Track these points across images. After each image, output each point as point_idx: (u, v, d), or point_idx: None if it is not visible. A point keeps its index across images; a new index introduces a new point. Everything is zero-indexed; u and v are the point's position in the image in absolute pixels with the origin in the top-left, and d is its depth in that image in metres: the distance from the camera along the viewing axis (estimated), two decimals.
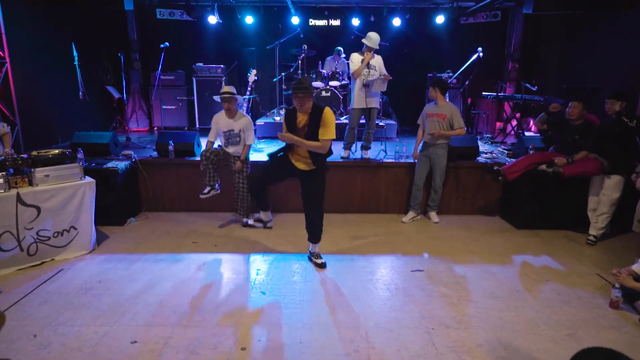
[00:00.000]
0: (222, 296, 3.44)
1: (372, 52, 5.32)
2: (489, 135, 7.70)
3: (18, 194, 3.75)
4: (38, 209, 3.86)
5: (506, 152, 6.09)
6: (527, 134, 7.05)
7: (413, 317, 3.15)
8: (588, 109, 4.60)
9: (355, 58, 5.36)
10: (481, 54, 6.67)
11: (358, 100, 5.40)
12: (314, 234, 3.97)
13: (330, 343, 2.83)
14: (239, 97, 4.70)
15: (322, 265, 3.96)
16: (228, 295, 3.45)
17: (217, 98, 4.72)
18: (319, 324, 3.05)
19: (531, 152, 5.21)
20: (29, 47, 6.09)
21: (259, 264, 4.07)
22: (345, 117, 7.19)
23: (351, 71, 5.42)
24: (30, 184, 3.88)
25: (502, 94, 7.69)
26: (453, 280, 3.74)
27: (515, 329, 3.02)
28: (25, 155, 3.97)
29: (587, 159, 4.53)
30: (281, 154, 3.84)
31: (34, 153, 4.04)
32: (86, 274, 3.79)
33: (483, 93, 7.73)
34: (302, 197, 3.88)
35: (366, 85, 5.32)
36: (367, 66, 5.31)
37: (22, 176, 3.85)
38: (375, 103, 5.46)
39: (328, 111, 3.56)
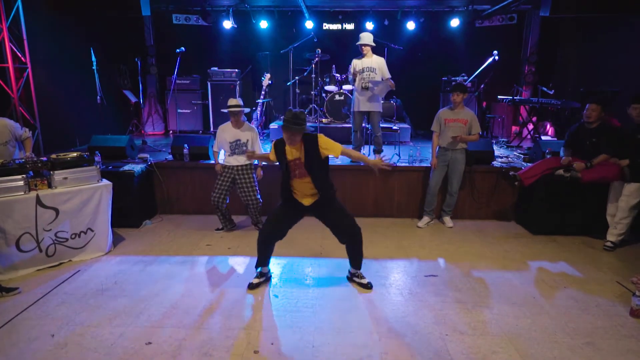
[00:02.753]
0: (235, 299, 3.46)
1: (369, 50, 5.33)
2: (505, 140, 7.60)
3: (37, 196, 3.83)
4: (57, 210, 3.95)
5: (522, 156, 6.01)
6: (543, 138, 6.94)
7: (427, 323, 3.12)
8: (607, 112, 4.51)
9: (353, 63, 5.43)
10: (497, 57, 6.61)
11: (357, 103, 5.43)
12: (357, 259, 3.64)
13: (342, 348, 2.82)
14: (244, 109, 4.71)
15: (368, 286, 3.62)
16: (241, 298, 3.47)
17: (225, 110, 4.75)
18: (331, 328, 3.04)
19: (548, 156, 5.12)
20: (49, 52, 6.25)
21: (272, 267, 4.07)
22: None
23: (350, 77, 5.50)
24: (50, 186, 3.97)
25: (518, 97, 7.59)
26: (468, 286, 3.69)
27: (532, 337, 2.96)
28: (44, 158, 4.06)
29: (606, 164, 4.43)
30: (288, 193, 3.51)
31: (53, 156, 4.14)
32: (102, 275, 3.85)
33: (499, 97, 7.64)
34: (331, 228, 3.57)
35: (365, 89, 5.32)
36: (367, 69, 5.32)
37: (42, 179, 3.94)
38: (375, 107, 5.42)
39: (321, 136, 3.35)
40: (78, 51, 6.58)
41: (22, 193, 3.80)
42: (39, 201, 3.84)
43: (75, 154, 4.20)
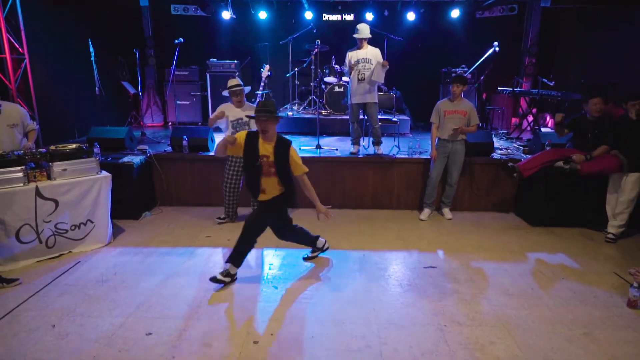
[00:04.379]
0: (235, 290, 3.47)
1: (364, 42, 5.31)
2: (504, 131, 7.59)
3: (37, 188, 3.83)
4: (56, 202, 3.95)
5: (522, 148, 6.00)
6: (543, 129, 6.93)
7: (425, 314, 3.14)
8: (610, 103, 4.51)
9: (348, 55, 5.40)
10: (497, 49, 6.56)
11: (353, 95, 5.41)
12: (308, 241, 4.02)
13: (342, 338, 2.84)
14: (247, 88, 4.68)
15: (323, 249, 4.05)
16: (241, 289, 3.48)
17: (225, 93, 4.72)
18: (330, 319, 3.06)
19: (547, 148, 5.12)
20: (47, 43, 6.19)
21: (271, 258, 4.09)
22: None
23: (345, 69, 5.47)
24: (49, 177, 3.97)
25: (518, 89, 7.57)
26: (466, 277, 3.71)
27: (530, 327, 2.99)
28: (43, 150, 4.05)
29: (605, 156, 4.43)
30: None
31: (52, 147, 4.13)
32: (102, 267, 3.86)
33: (499, 88, 7.61)
34: (279, 224, 3.72)
35: (361, 80, 5.30)
36: (362, 60, 5.30)
37: (41, 170, 3.93)
38: (371, 98, 5.40)
39: (293, 148, 3.44)
40: (76, 42, 6.53)
41: (22, 184, 3.79)
42: (38, 193, 3.84)
43: (74, 146, 4.19)
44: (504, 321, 3.06)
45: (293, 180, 3.54)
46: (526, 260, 4.11)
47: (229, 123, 4.64)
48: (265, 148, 3.34)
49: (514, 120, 8.07)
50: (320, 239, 4.05)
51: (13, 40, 5.43)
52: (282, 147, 3.37)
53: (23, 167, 3.81)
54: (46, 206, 3.90)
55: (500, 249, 4.34)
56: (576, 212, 4.87)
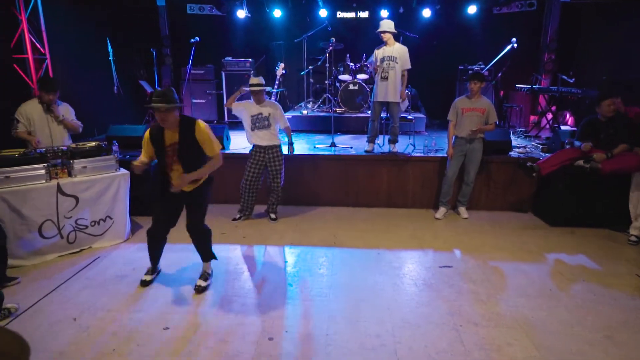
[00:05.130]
0: (249, 287, 3.51)
1: (388, 36, 5.27)
2: (522, 129, 7.46)
3: (58, 185, 3.92)
4: (76, 198, 4.04)
5: (540, 146, 5.90)
6: (563, 127, 6.79)
7: (441, 314, 3.11)
8: (626, 101, 4.41)
9: (375, 53, 5.38)
10: (515, 45, 6.45)
11: (377, 93, 5.37)
12: (206, 253, 3.56)
13: (356, 336, 2.84)
14: (267, 87, 4.68)
15: (199, 290, 3.40)
16: (256, 286, 3.51)
17: (246, 88, 4.74)
18: (345, 317, 3.06)
19: (567, 146, 5.02)
20: (67, 43, 6.32)
21: (287, 256, 4.11)
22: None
23: (371, 68, 5.45)
24: (70, 175, 4.06)
25: (537, 86, 7.43)
26: (482, 277, 3.67)
27: (548, 329, 2.94)
28: (64, 148, 4.15)
29: (626, 154, 4.33)
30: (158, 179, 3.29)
31: (73, 145, 4.22)
32: (121, 262, 3.94)
33: (517, 85, 7.48)
34: (187, 214, 3.44)
35: (385, 78, 5.27)
36: (387, 58, 5.25)
37: (62, 167, 4.03)
38: (394, 97, 5.35)
39: (200, 124, 3.18)
40: (95, 42, 6.66)
41: (44, 181, 3.89)
42: (59, 189, 3.93)
43: (93, 144, 4.28)
44: (522, 322, 3.02)
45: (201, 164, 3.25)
46: (545, 260, 4.04)
47: (249, 118, 4.66)
48: (170, 136, 3.15)
49: (532, 118, 7.92)
50: (212, 261, 3.60)
51: (35, 41, 5.56)
52: (187, 128, 3.12)
53: (45, 164, 3.91)
54: (67, 202, 3.99)
55: (517, 249, 4.27)
56: (597, 212, 4.76)
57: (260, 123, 4.64)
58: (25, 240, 3.81)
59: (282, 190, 4.93)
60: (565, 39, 8.15)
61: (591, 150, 4.57)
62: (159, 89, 3.12)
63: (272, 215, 5.01)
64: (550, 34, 8.17)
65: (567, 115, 7.65)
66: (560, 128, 6.60)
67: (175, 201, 3.37)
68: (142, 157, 3.30)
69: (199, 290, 3.40)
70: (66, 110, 4.66)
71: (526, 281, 3.61)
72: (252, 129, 4.67)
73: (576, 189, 4.73)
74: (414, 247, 4.32)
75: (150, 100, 3.00)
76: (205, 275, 3.53)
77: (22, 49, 5.45)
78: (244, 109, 4.68)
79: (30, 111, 4.34)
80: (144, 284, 3.52)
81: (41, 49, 5.67)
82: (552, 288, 3.50)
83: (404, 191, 5.52)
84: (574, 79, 6.82)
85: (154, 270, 3.65)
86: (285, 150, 4.86)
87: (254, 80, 4.59)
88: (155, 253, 3.58)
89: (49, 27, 5.74)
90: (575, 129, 5.68)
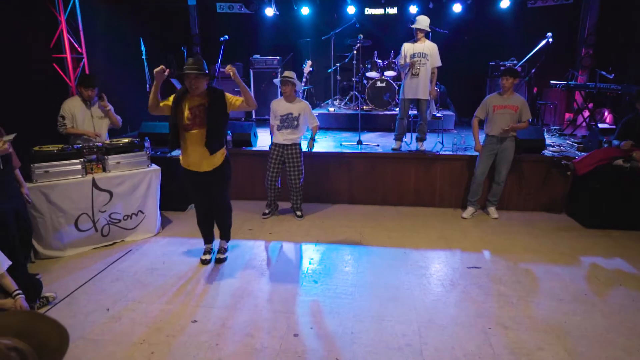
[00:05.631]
0: (275, 282, 3.54)
1: (421, 34, 5.16)
2: (557, 127, 7.19)
3: (93, 179, 4.08)
4: (110, 193, 4.18)
5: (576, 145, 5.67)
6: (600, 125, 6.50)
7: (469, 315, 3.05)
8: None
9: (404, 48, 5.26)
10: (550, 40, 6.21)
11: (405, 90, 5.29)
12: (227, 229, 3.96)
13: (381, 336, 2.82)
14: (298, 83, 4.66)
15: (222, 260, 3.88)
16: (281, 282, 3.54)
17: (276, 81, 4.78)
18: (370, 316, 3.04)
19: (605, 145, 4.80)
20: (103, 42, 6.54)
21: (312, 253, 4.12)
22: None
23: (399, 62, 5.34)
24: (104, 170, 4.21)
25: (573, 82, 7.14)
26: (513, 279, 3.57)
27: (582, 335, 2.83)
28: (99, 144, 4.30)
29: None
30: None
31: (107, 142, 4.37)
32: (152, 255, 4.06)
33: (551, 82, 7.21)
34: (210, 197, 3.70)
35: (415, 75, 5.17)
36: (418, 54, 5.16)
37: (97, 163, 4.18)
38: (423, 94, 5.25)
39: (227, 93, 3.44)
40: (128, 41, 6.85)
41: (80, 176, 4.05)
42: (94, 184, 4.09)
43: (127, 140, 4.42)
44: (554, 327, 2.92)
45: (224, 133, 3.59)
46: (579, 263, 3.90)
47: (278, 117, 4.68)
48: (195, 100, 3.33)
49: (567, 115, 7.62)
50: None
51: (73, 41, 5.78)
52: (217, 94, 3.36)
53: (81, 159, 4.06)
54: (101, 197, 4.14)
55: (550, 251, 4.13)
56: (636, 214, 4.55)
57: (289, 122, 4.65)
58: (62, 232, 3.98)
59: (308, 187, 4.95)
60: (604, 33, 7.78)
61: (631, 148, 4.36)
62: (195, 57, 3.31)
63: (298, 213, 5.03)
64: (588, 28, 7.82)
65: (606, 113, 7.32)
66: (597, 126, 6.33)
67: (203, 186, 3.64)
68: (163, 103, 3.42)
69: (219, 261, 3.86)
70: (106, 112, 4.75)
71: (559, 284, 3.49)
72: (280, 129, 4.69)
73: (613, 189, 4.53)
74: (442, 247, 4.25)
75: (185, 69, 3.20)
76: (223, 250, 3.96)
77: (61, 49, 5.67)
78: (275, 110, 4.71)
79: (72, 107, 4.46)
80: (204, 262, 3.83)
81: (78, 49, 5.88)
82: (586, 292, 3.37)
83: (431, 190, 5.43)
84: (613, 75, 6.52)
85: (210, 249, 3.96)
86: (304, 145, 4.87)
87: (287, 72, 4.60)
88: (207, 232, 3.93)
89: (85, 27, 5.95)
90: (614, 127, 5.43)
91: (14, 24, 4.95)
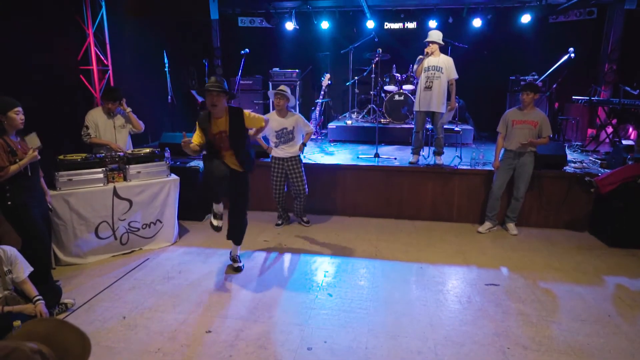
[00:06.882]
0: (289, 295, 3.53)
1: (434, 47, 5.14)
2: (579, 143, 7.04)
3: (114, 188, 4.17)
4: (130, 202, 4.26)
5: (599, 162, 5.53)
6: (624, 142, 6.34)
7: (486, 334, 2.98)
8: None
9: (420, 60, 5.26)
10: (572, 55, 6.13)
11: (419, 102, 5.25)
12: (238, 237, 3.99)
13: (396, 351, 2.78)
14: (291, 97, 4.73)
15: (238, 269, 3.97)
16: (296, 295, 3.53)
17: (270, 94, 4.86)
18: (385, 332, 3.00)
19: (630, 162, 4.68)
20: (127, 55, 6.75)
21: (327, 265, 4.10)
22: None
23: (414, 68, 5.33)
24: (125, 179, 4.30)
25: (596, 97, 7.00)
26: (532, 298, 3.47)
27: (604, 358, 2.73)
28: (121, 154, 4.40)
29: None
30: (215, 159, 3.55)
31: (128, 152, 4.48)
32: (169, 264, 4.10)
33: (573, 97, 7.09)
34: (231, 199, 3.87)
35: (429, 88, 5.15)
36: (432, 67, 5.14)
37: (118, 172, 4.28)
38: (438, 107, 5.20)
39: (245, 111, 3.60)
40: (152, 54, 7.05)
41: (102, 185, 4.14)
42: (115, 192, 4.18)
43: (147, 150, 4.51)
44: (576, 348, 2.82)
45: (249, 148, 3.71)
46: (602, 283, 3.77)
47: (273, 133, 4.73)
48: (218, 125, 3.47)
49: (589, 131, 7.46)
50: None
51: (99, 53, 5.98)
52: (236, 115, 3.51)
53: (104, 168, 4.16)
54: (122, 205, 4.23)
55: (572, 270, 4.01)
56: None
57: (285, 137, 4.72)
58: (83, 239, 4.07)
59: (324, 200, 4.96)
60: (629, 48, 7.64)
61: None
62: (213, 77, 3.49)
63: (304, 219, 5.14)
64: (612, 43, 7.70)
65: (630, 129, 7.14)
66: (621, 143, 6.16)
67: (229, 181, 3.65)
68: (194, 140, 3.52)
69: (236, 270, 3.95)
70: (127, 118, 4.86)
71: (581, 305, 3.38)
72: (277, 145, 4.75)
73: (638, 207, 4.39)
74: (459, 262, 4.18)
75: (207, 87, 3.38)
76: (237, 258, 4.04)
77: (88, 61, 5.87)
78: (268, 126, 4.76)
79: (95, 118, 4.59)
80: (217, 229, 3.70)
81: (104, 61, 6.08)
82: (610, 314, 3.26)
83: (449, 204, 5.36)
84: (638, 91, 6.37)
85: (221, 214, 3.80)
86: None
87: (281, 87, 4.68)
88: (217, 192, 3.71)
89: (111, 40, 6.16)
90: None
91: (45, 37, 5.15)
